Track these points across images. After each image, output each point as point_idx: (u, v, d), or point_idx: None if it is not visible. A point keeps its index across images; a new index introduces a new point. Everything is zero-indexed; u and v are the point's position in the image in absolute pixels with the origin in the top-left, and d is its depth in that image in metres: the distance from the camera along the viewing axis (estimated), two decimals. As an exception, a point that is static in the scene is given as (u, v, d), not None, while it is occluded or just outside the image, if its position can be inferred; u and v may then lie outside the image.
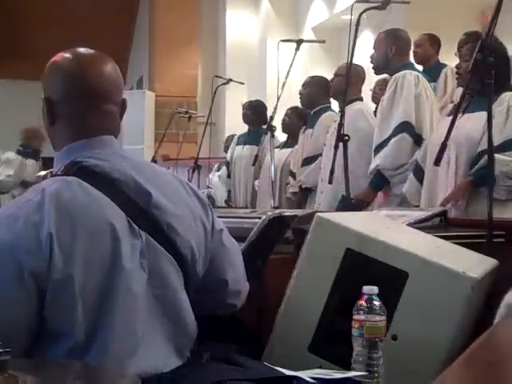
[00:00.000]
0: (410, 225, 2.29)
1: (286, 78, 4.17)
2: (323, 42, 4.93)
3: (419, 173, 3.37)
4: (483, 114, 3.06)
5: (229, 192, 6.05)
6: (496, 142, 3.02)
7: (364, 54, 5.41)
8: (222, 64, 11.29)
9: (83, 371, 1.32)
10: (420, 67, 4.67)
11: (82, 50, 1.62)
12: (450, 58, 5.03)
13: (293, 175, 4.97)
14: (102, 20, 12.37)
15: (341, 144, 3.09)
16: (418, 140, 3.60)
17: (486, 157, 2.99)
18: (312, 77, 5.06)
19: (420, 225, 2.34)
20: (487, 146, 2.35)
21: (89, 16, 12.10)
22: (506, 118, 3.04)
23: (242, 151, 5.82)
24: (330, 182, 3.15)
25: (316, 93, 4.77)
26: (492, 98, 2.99)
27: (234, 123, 9.98)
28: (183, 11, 11.16)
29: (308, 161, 4.70)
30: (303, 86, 4.96)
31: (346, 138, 3.08)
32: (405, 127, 3.61)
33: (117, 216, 1.43)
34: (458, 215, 3.03)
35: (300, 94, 4.97)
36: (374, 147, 3.80)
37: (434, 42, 5.01)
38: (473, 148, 3.07)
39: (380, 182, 3.72)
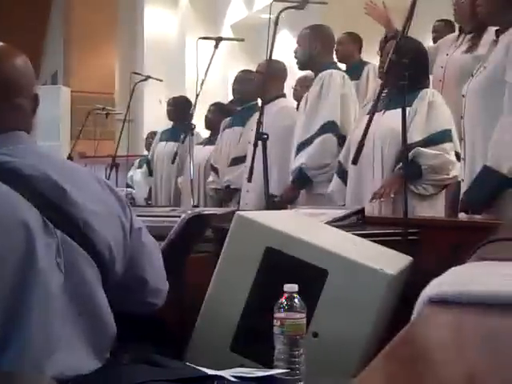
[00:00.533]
0: (328, 223, 2.32)
1: (205, 75, 4.15)
2: (242, 40, 4.93)
3: (342, 172, 3.39)
4: (407, 110, 3.12)
5: (150, 190, 5.96)
6: (420, 136, 3.06)
7: (282, 52, 5.45)
8: (139, 60, 11.16)
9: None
10: (342, 65, 4.72)
11: None
12: (369, 57, 5.15)
13: (215, 170, 4.90)
14: (14, 11, 11.99)
15: (260, 142, 3.10)
16: (342, 140, 3.61)
17: (414, 151, 3.04)
18: (243, 71, 4.97)
19: (339, 223, 2.39)
20: (401, 143, 2.40)
21: (-1, 6, 11.72)
22: (428, 113, 3.09)
23: (163, 148, 5.72)
24: (250, 180, 3.16)
25: (248, 88, 4.66)
26: (407, 96, 3.07)
27: (153, 120, 9.90)
28: (100, 4, 10.97)
29: (237, 161, 4.60)
30: (234, 82, 4.87)
31: (265, 136, 3.08)
32: (330, 127, 3.63)
33: (30, 214, 1.39)
34: (386, 212, 3.06)
35: (233, 89, 4.88)
36: (296, 145, 3.79)
37: (355, 40, 5.06)
38: (398, 144, 3.06)
39: (303, 180, 3.74)
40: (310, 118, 3.73)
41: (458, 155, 3.09)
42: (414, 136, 3.05)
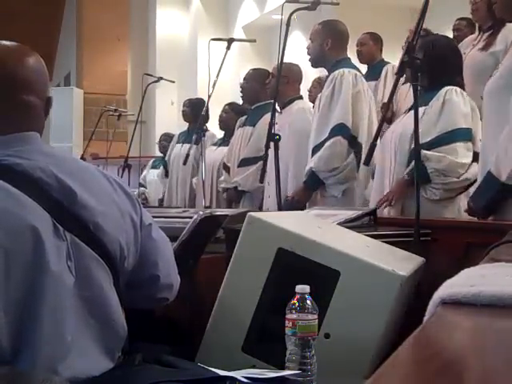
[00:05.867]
0: (340, 224, 2.32)
1: (217, 76, 4.16)
2: (254, 41, 4.92)
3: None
4: (423, 109, 3.02)
5: (164, 192, 5.97)
6: (430, 137, 2.95)
7: (294, 54, 5.45)
8: (152, 62, 11.21)
9: (11, 377, 1.28)
10: (356, 62, 4.68)
11: (4, 42, 1.55)
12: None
13: (227, 169, 4.86)
14: (26, 13, 12.05)
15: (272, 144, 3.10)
16: (353, 142, 3.58)
17: (421, 154, 3.02)
18: (254, 69, 4.90)
19: (350, 224, 2.38)
20: (414, 144, 2.38)
21: (12, 9, 11.76)
22: (439, 112, 2.99)
23: (179, 150, 5.72)
24: (261, 181, 3.16)
25: (257, 87, 4.59)
26: (427, 95, 3.02)
27: (165, 121, 9.94)
28: (112, 6, 11.02)
29: (246, 162, 4.55)
30: (244, 79, 4.82)
31: (277, 138, 3.08)
32: (340, 129, 3.57)
33: (40, 217, 1.38)
34: (396, 216, 3.01)
35: (241, 87, 4.84)
36: (311, 148, 3.74)
37: (376, 40, 5.01)
38: (407, 145, 3.06)
39: (315, 182, 3.69)
40: (323, 121, 3.66)
41: (476, 156, 2.96)
42: (425, 136, 2.97)
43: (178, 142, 5.88)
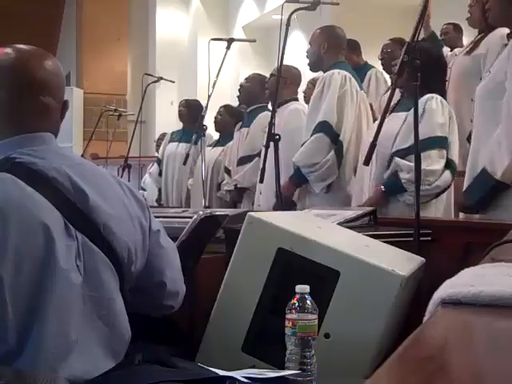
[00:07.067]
0: (340, 224, 2.32)
1: (217, 76, 4.16)
2: (254, 41, 4.92)
3: None
4: (405, 115, 3.09)
5: (159, 191, 5.98)
6: (407, 143, 3.00)
7: (294, 54, 5.45)
8: (151, 62, 11.21)
9: (12, 377, 1.28)
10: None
11: (22, 45, 1.58)
12: (377, 59, 5.15)
13: (228, 172, 4.95)
14: (27, 13, 12.04)
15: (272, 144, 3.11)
16: (335, 139, 3.65)
17: (394, 162, 3.05)
18: (257, 74, 5.04)
19: (350, 224, 2.39)
20: (415, 149, 2.38)
21: (12, 9, 11.75)
22: (418, 120, 3.04)
23: (175, 149, 5.73)
24: (261, 181, 3.17)
25: (257, 90, 4.71)
26: (410, 102, 3.03)
27: (165, 121, 9.94)
28: (112, 6, 11.02)
29: (243, 160, 4.68)
30: (246, 79, 4.94)
31: (277, 137, 3.09)
32: (323, 127, 3.65)
33: (52, 216, 1.40)
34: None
35: (241, 86, 4.94)
36: (301, 144, 3.82)
37: (354, 48, 5.01)
38: (388, 149, 3.10)
39: (299, 177, 3.76)
40: (311, 118, 3.76)
41: (449, 163, 3.03)
42: (402, 143, 3.04)
43: (171, 141, 5.89)
